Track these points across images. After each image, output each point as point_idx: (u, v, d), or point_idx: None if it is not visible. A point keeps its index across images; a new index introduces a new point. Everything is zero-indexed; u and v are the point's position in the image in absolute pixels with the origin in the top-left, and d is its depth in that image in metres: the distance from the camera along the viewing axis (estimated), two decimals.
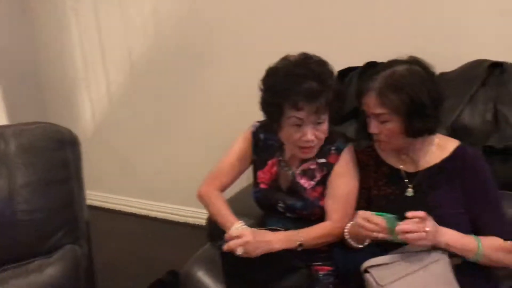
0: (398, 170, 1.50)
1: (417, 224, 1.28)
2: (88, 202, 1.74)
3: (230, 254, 1.42)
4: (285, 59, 1.50)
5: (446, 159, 1.46)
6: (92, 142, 3.06)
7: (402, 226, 1.28)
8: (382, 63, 1.54)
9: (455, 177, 1.44)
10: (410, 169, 1.49)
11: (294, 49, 1.55)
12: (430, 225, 1.30)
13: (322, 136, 1.49)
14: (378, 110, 1.40)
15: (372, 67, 1.83)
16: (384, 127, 1.41)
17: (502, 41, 1.86)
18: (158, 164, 2.97)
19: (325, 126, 1.48)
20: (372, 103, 1.41)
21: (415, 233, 1.28)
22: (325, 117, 1.47)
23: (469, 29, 1.91)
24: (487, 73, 1.77)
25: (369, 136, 1.50)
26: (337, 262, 1.53)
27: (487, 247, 1.36)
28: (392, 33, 2.06)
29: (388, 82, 1.38)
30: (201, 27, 2.57)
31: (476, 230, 1.40)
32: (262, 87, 1.50)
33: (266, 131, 1.63)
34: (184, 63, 2.68)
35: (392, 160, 1.52)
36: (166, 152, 2.92)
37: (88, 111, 3.15)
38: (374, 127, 1.44)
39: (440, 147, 1.48)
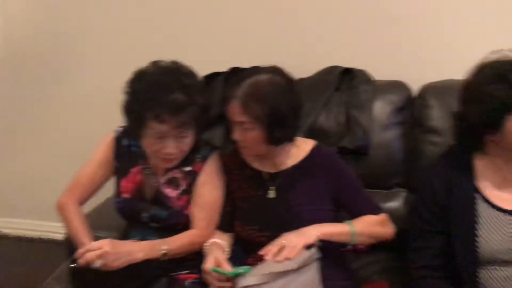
0: (260, 172, 1.54)
1: (275, 249, 1.32)
2: None
3: (81, 271, 1.35)
4: (155, 64, 1.46)
5: (304, 159, 1.54)
6: None
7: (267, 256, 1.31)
8: (246, 69, 1.58)
9: (314, 175, 1.52)
10: (272, 170, 1.54)
11: (158, 55, 1.51)
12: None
13: (185, 149, 1.47)
14: (241, 118, 1.42)
15: (236, 72, 1.87)
16: (247, 135, 1.44)
17: (353, 49, 2.01)
18: (10, 177, 2.71)
19: (188, 140, 1.45)
20: (235, 111, 1.42)
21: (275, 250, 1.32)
22: (189, 131, 1.44)
23: (325, 37, 2.04)
24: (340, 78, 1.90)
25: (235, 141, 1.53)
26: None
27: (361, 225, 1.45)
28: (256, 40, 2.12)
29: (251, 92, 1.41)
30: (57, 30, 2.39)
31: (352, 216, 1.49)
32: (126, 89, 1.44)
33: (130, 137, 1.56)
34: (39, 68, 2.47)
35: (255, 163, 1.56)
36: (20, 164, 2.66)
37: None
38: (237, 134, 1.46)
39: (298, 148, 1.55)
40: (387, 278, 1.66)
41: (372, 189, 1.83)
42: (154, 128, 1.39)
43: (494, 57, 1.36)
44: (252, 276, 1.29)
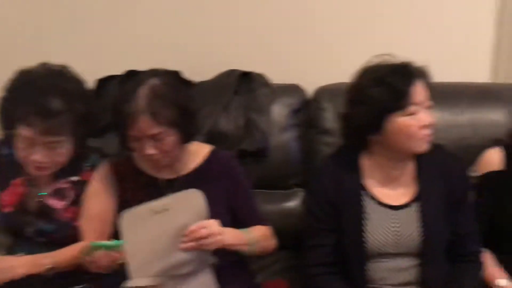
0: (156, 179, 1.51)
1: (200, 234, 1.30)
2: None
3: None
4: (43, 66, 1.39)
5: (202, 164, 1.53)
6: None
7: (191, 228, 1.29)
8: (140, 73, 1.54)
9: (211, 179, 1.51)
10: (169, 176, 1.51)
11: (47, 57, 1.45)
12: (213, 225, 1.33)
13: (59, 159, 1.40)
14: (155, 131, 1.37)
15: (132, 76, 1.82)
16: (163, 144, 1.40)
17: (250, 53, 2.03)
18: None
19: (63, 150, 1.39)
20: (146, 126, 1.36)
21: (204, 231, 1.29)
22: (62, 140, 1.37)
23: (222, 41, 2.04)
24: (238, 82, 1.91)
25: (129, 149, 1.47)
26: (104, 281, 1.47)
27: (257, 236, 1.46)
28: (153, 42, 2.07)
29: (154, 100, 1.37)
30: None
31: (240, 223, 1.48)
32: (5, 87, 1.38)
33: (12, 146, 1.45)
34: None
35: (149, 169, 1.52)
36: None
37: None
38: (151, 148, 1.39)
39: (195, 153, 1.54)
40: (287, 277, 1.71)
41: (271, 189, 1.88)
42: (22, 131, 1.32)
43: (375, 61, 1.44)
44: (142, 276, 1.27)
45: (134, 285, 1.25)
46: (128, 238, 1.26)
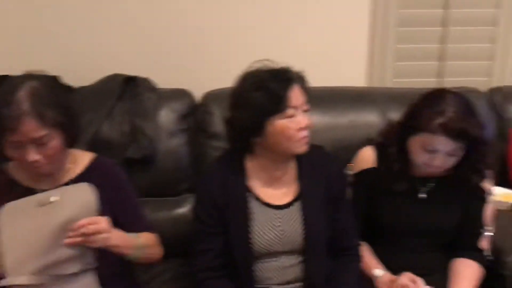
0: (34, 190, 1.42)
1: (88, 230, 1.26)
2: None
3: None
4: None
5: (82, 172, 1.47)
6: None
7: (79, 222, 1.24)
8: (14, 77, 1.44)
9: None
10: (47, 187, 1.42)
11: None
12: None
13: None
14: (40, 133, 1.29)
15: (3, 81, 1.70)
16: (47, 147, 1.31)
17: (135, 57, 2.00)
18: None
19: None
20: (30, 129, 1.27)
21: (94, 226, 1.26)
22: None
23: (105, 44, 1.98)
24: (122, 87, 1.86)
25: (6, 157, 1.36)
26: None
27: (144, 242, 1.43)
28: (27, 45, 1.96)
29: (37, 101, 1.29)
30: None
31: (126, 232, 1.42)
32: None
33: None
34: None
35: (26, 180, 1.43)
36: None
37: None
38: (34, 154, 1.30)
39: (76, 162, 1.48)
40: (178, 286, 1.69)
41: (161, 197, 1.86)
42: None
43: (256, 66, 1.47)
44: (19, 274, 1.19)
45: (10, 283, 1.17)
46: (6, 232, 1.18)
